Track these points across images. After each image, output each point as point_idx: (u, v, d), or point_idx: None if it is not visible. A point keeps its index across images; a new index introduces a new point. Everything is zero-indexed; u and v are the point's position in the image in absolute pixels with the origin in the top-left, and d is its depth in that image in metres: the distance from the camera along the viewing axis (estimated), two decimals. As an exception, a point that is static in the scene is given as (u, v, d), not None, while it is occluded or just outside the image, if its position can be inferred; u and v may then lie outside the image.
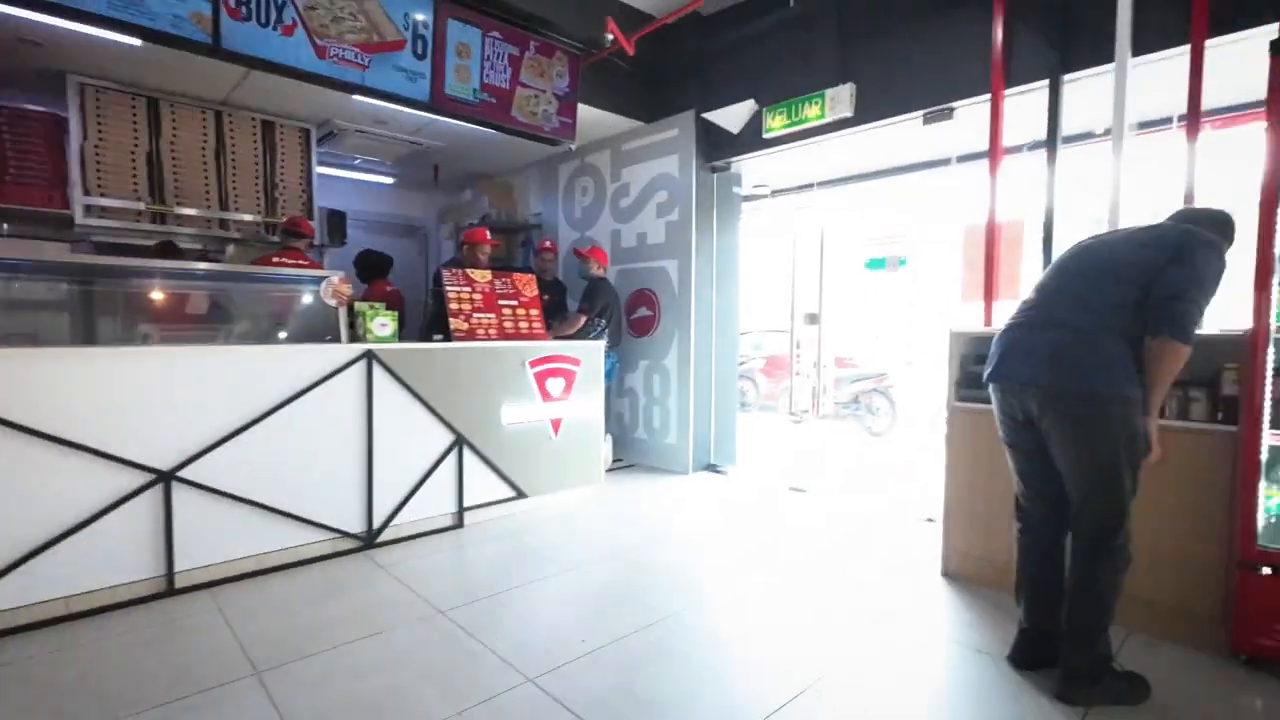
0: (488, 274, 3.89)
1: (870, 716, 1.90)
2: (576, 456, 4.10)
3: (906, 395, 7.82)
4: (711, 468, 5.07)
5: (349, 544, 3.16)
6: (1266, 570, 2.08)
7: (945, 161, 4.90)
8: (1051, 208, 3.22)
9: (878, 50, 3.87)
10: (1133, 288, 1.88)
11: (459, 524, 3.56)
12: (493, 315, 3.78)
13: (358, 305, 3.32)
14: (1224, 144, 3.63)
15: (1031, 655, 2.12)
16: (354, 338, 3.26)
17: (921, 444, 6.69)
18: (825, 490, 4.52)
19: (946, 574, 2.95)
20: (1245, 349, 2.14)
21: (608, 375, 4.55)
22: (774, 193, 6.24)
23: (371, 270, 4.81)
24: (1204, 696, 2.00)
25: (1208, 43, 2.66)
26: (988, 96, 3.32)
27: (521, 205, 6.50)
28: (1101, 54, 2.98)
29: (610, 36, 4.07)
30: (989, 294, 3.31)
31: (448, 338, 3.55)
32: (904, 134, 4.06)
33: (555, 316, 4.72)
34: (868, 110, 3.91)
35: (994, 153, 3.28)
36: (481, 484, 3.65)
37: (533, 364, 3.82)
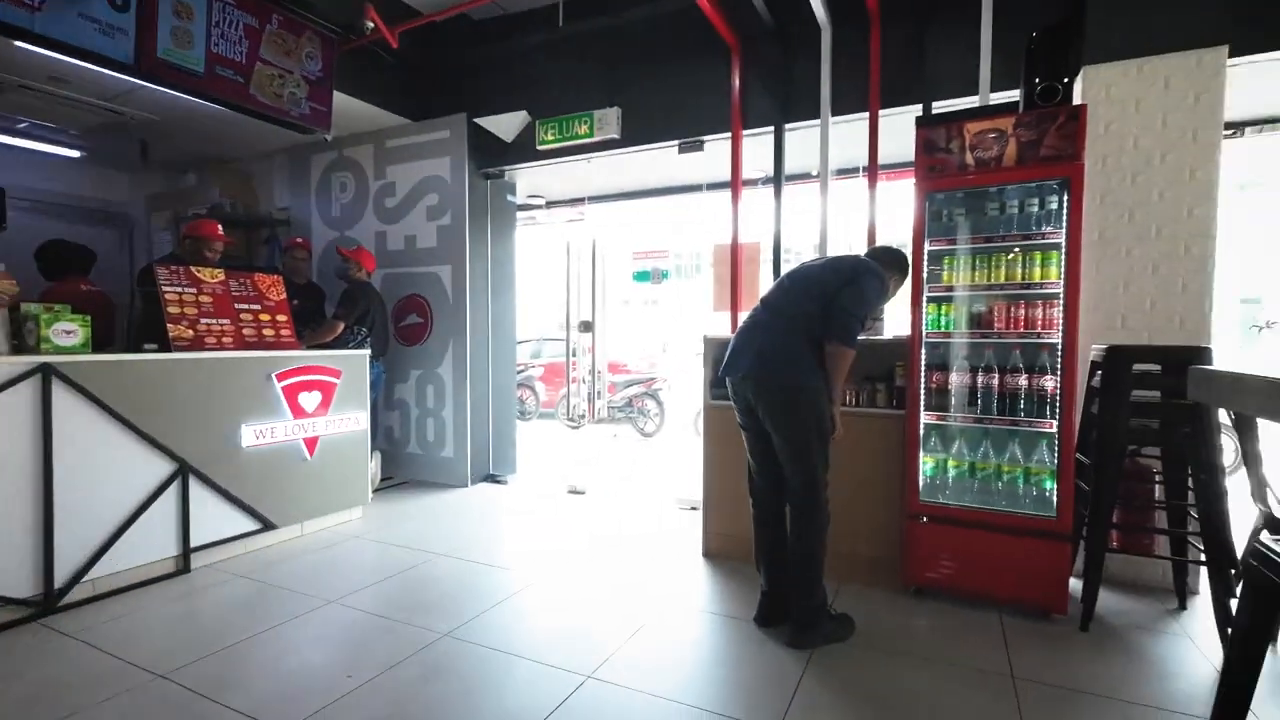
0: (220, 273, 3.34)
1: (643, 689, 2.05)
2: (337, 477, 3.72)
3: (674, 397, 8.54)
4: (492, 478, 4.98)
5: (18, 612, 2.46)
6: (925, 519, 2.73)
7: (698, 188, 5.50)
8: (779, 233, 3.82)
9: (642, 81, 4.20)
10: (818, 302, 2.35)
11: (184, 568, 3.00)
12: (228, 321, 3.26)
13: (26, 307, 2.61)
14: (901, 192, 4.65)
15: (772, 614, 2.49)
16: (22, 348, 2.57)
17: (686, 441, 7.36)
18: (602, 491, 4.74)
19: (707, 554, 3.31)
20: (908, 350, 2.78)
21: (373, 387, 4.21)
22: (548, 204, 6.39)
23: (61, 266, 3.78)
24: (889, 623, 2.54)
25: (881, 112, 3.41)
26: (729, 135, 3.83)
27: (264, 197, 5.70)
28: (812, 111, 3.63)
29: (370, 24, 3.79)
30: (734, 305, 3.81)
31: (165, 347, 2.98)
32: (663, 159, 4.47)
33: (310, 323, 4.23)
34: (632, 134, 4.23)
35: (735, 183, 3.79)
36: (215, 518, 3.12)
37: (280, 376, 3.38)
